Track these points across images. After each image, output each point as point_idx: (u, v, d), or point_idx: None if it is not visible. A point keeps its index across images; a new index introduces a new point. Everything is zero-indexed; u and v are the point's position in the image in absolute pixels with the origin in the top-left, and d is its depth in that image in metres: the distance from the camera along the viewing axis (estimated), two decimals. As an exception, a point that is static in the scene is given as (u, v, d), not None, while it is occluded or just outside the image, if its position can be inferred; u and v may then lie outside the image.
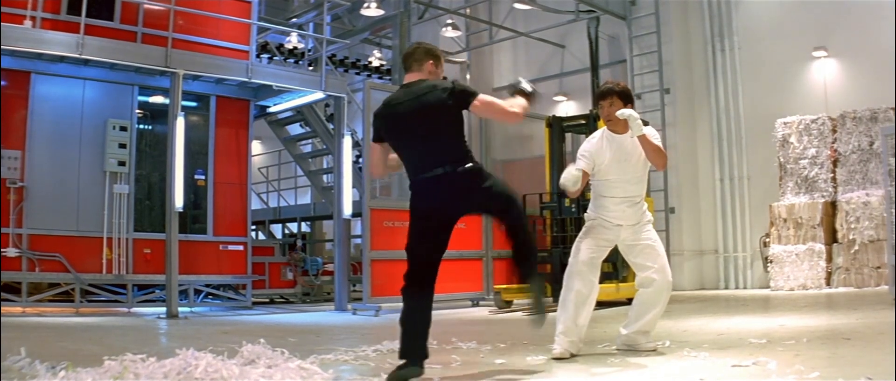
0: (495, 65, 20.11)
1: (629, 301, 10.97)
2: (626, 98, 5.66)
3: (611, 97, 5.64)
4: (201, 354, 4.55)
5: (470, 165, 4.60)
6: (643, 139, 5.46)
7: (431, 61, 4.78)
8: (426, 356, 4.56)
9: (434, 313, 4.65)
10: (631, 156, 5.61)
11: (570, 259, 5.63)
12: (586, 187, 5.75)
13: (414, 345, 4.54)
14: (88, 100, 11.56)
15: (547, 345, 6.06)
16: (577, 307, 5.49)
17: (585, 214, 5.85)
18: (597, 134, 5.80)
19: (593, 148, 5.67)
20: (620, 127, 5.61)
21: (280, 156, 19.71)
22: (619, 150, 5.61)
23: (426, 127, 4.61)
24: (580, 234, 5.75)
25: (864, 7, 13.63)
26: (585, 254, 5.57)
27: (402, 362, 4.51)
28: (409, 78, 4.79)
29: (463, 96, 4.58)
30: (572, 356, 5.41)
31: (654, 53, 15.62)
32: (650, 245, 5.70)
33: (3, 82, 10.70)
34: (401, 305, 4.60)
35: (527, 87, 4.86)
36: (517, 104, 4.71)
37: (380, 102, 4.89)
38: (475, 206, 4.95)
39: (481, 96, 4.62)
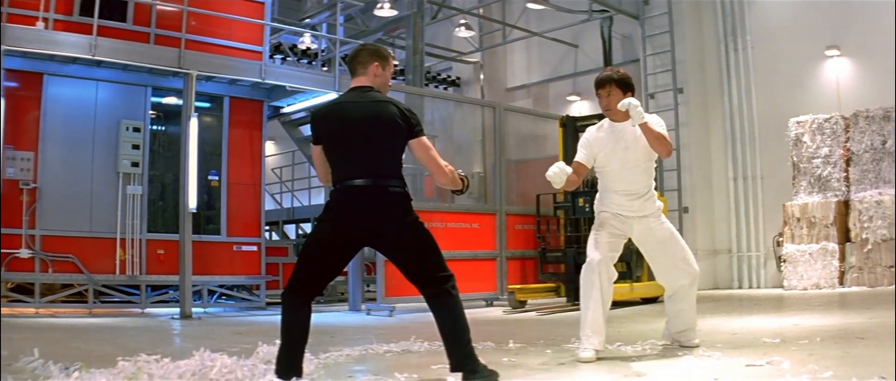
0: (509, 65, 20.12)
1: (644, 301, 11.13)
2: (625, 86, 5.42)
3: (609, 86, 5.41)
4: (217, 355, 4.57)
5: (401, 190, 4.34)
6: (645, 127, 5.22)
7: (376, 63, 4.48)
8: (300, 375, 4.20)
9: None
10: (633, 145, 5.39)
11: (589, 255, 5.38)
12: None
13: (292, 359, 4.20)
14: (101, 101, 11.58)
15: (563, 345, 6.08)
16: (603, 305, 5.30)
17: (594, 206, 5.65)
18: (600, 124, 5.60)
19: (592, 138, 5.49)
20: (621, 116, 5.39)
21: (293, 156, 19.74)
22: (620, 139, 5.41)
23: (371, 135, 4.30)
24: (593, 228, 5.53)
25: (876, 6, 13.55)
26: (603, 249, 5.35)
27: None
28: (358, 82, 4.47)
29: (411, 126, 4.34)
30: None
31: (668, 53, 15.59)
32: (665, 241, 5.54)
33: (8, 83, 10.65)
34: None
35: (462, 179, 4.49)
36: (449, 169, 4.41)
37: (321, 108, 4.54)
38: (391, 236, 4.34)
39: (424, 139, 4.39)
